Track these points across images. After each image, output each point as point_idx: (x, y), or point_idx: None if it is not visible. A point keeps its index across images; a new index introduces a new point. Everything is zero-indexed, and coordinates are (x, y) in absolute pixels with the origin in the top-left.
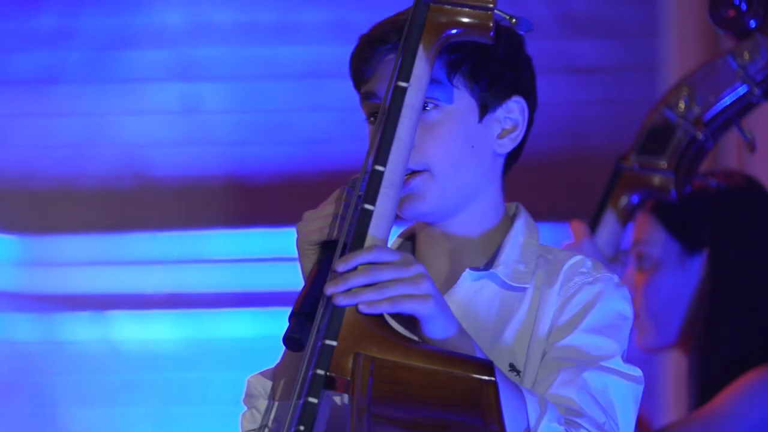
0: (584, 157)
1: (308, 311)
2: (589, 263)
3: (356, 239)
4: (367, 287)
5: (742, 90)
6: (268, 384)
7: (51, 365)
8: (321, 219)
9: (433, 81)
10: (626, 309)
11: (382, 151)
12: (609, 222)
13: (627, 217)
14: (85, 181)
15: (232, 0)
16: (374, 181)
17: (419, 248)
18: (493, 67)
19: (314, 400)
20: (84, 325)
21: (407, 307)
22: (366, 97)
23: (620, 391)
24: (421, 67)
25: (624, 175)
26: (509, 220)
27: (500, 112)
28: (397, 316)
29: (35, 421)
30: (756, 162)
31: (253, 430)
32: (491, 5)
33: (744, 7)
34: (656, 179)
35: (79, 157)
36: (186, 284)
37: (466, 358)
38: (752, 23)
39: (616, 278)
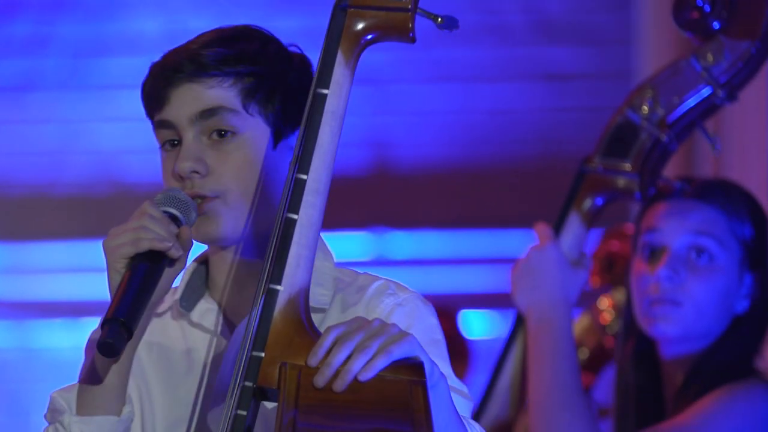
0: (558, 164)
1: (123, 317)
2: (392, 285)
3: (281, 249)
4: (350, 358)
5: (706, 92)
6: (73, 398)
7: (25, 373)
8: (130, 232)
9: (230, 110)
10: (438, 324)
11: (304, 159)
12: (573, 225)
13: (591, 219)
14: (60, 188)
15: (208, 7)
16: (297, 189)
17: (212, 273)
18: (286, 94)
19: (243, 413)
20: (59, 333)
21: (398, 352)
22: (160, 125)
23: (462, 408)
24: (340, 73)
25: (588, 177)
26: None
27: (293, 139)
28: None
29: (9, 429)
30: (733, 167)
31: None
32: (409, 7)
33: (707, 8)
34: (620, 181)
35: (54, 163)
36: None
37: (398, 362)
38: (716, 25)
39: (420, 295)
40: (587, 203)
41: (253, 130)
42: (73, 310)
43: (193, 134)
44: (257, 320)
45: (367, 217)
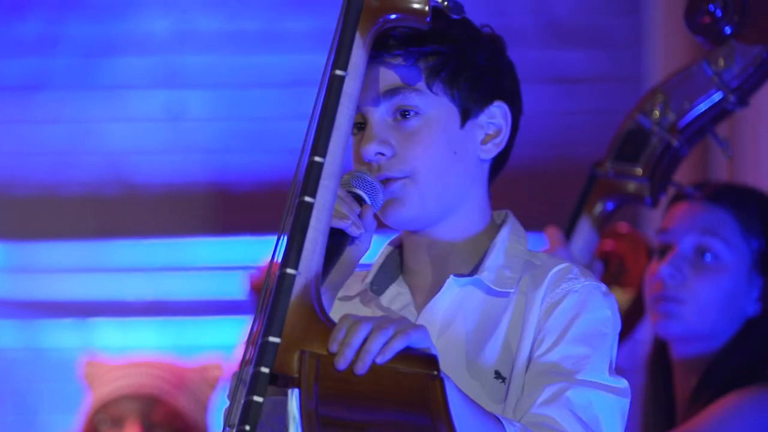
0: (568, 167)
1: None
2: (576, 270)
3: (297, 232)
4: (368, 339)
5: (717, 97)
6: None
7: (33, 372)
8: None
9: (413, 89)
10: (612, 318)
11: (320, 141)
12: (584, 229)
13: (602, 224)
14: (69, 187)
15: (218, 8)
16: (314, 172)
17: (406, 257)
18: (473, 73)
19: (259, 399)
20: (66, 332)
21: (415, 336)
22: None
23: (605, 406)
24: (358, 55)
25: (599, 181)
26: (496, 227)
27: (483, 118)
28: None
29: (17, 428)
30: (747, 171)
31: None
32: None
33: (719, 13)
34: (631, 186)
35: (63, 163)
36: (168, 291)
37: (413, 354)
38: (727, 30)
39: (603, 287)
40: (598, 207)
41: (438, 109)
42: (81, 310)
43: (377, 115)
44: (272, 305)
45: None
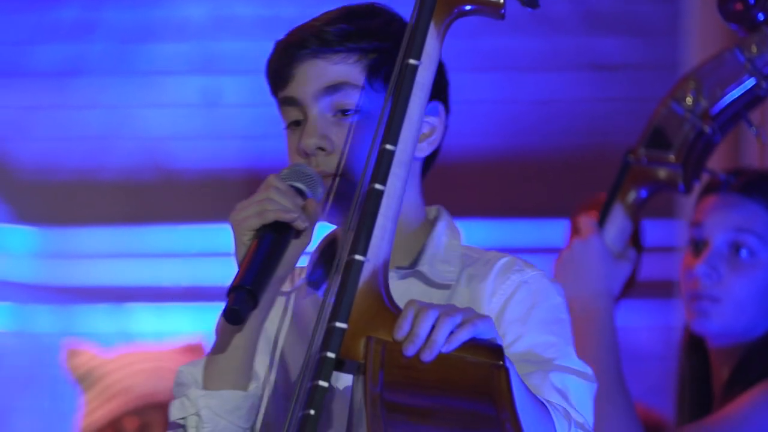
0: (604, 154)
1: (249, 285)
2: (520, 262)
3: (366, 219)
4: (435, 328)
5: (749, 83)
6: (199, 372)
7: None
8: (255, 205)
9: (354, 86)
10: (564, 304)
11: (392, 130)
12: (617, 217)
13: (636, 211)
14: (105, 173)
15: None
16: (385, 160)
17: (341, 252)
18: None
19: (325, 384)
20: (103, 317)
21: (481, 327)
22: (285, 102)
23: (580, 390)
24: (432, 45)
25: (632, 169)
26: (430, 222)
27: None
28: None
29: (54, 414)
30: None
31: (183, 418)
32: None
33: (751, 0)
34: (664, 173)
35: (99, 149)
36: (205, 277)
37: (478, 343)
38: (760, 16)
39: (546, 274)
40: (631, 195)
41: (379, 107)
42: (117, 295)
43: (317, 110)
44: (339, 291)
45: None
